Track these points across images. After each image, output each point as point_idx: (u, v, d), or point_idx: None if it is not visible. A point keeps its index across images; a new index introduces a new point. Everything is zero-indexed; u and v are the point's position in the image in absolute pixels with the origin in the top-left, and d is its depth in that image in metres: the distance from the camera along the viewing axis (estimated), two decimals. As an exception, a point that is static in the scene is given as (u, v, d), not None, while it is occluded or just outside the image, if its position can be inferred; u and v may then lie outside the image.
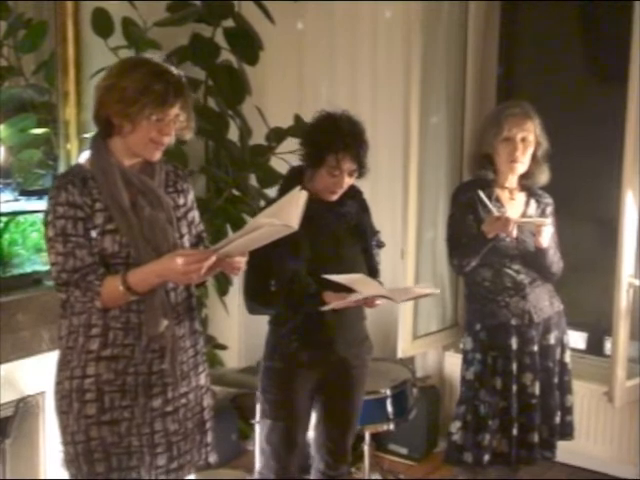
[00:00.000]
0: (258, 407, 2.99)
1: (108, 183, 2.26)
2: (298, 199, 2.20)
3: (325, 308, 2.70)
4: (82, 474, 2.33)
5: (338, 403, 2.99)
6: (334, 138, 2.69)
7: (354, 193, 2.90)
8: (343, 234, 2.88)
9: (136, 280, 2.21)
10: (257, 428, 3.46)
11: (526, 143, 3.15)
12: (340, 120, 2.74)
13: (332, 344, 2.86)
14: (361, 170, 2.77)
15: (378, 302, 2.76)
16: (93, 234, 2.23)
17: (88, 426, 2.29)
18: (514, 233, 3.06)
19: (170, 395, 2.37)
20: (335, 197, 2.81)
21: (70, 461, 2.36)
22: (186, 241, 2.41)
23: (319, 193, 2.78)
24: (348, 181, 2.78)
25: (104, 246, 2.24)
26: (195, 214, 2.50)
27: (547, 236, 3.12)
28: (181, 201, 2.44)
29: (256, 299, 2.86)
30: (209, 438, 2.53)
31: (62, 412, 2.34)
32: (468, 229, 3.18)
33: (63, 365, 2.34)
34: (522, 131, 3.13)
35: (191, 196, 2.49)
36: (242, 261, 2.31)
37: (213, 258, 2.17)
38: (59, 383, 2.34)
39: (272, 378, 2.89)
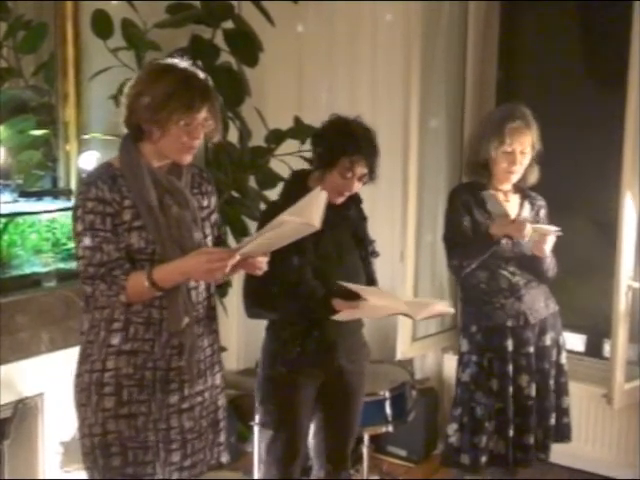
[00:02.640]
0: (257, 416, 2.97)
1: (137, 181, 2.30)
2: (319, 198, 2.23)
3: (338, 318, 2.68)
4: (98, 467, 2.37)
5: (337, 411, 2.98)
6: (350, 141, 2.70)
7: (356, 199, 2.91)
8: (345, 238, 2.88)
9: (161, 276, 2.24)
10: (256, 431, 3.47)
11: (524, 154, 3.16)
12: (355, 124, 2.76)
13: (333, 351, 2.85)
14: (371, 175, 2.78)
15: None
16: (120, 230, 2.28)
17: (105, 419, 2.32)
18: (527, 237, 3.05)
19: (187, 392, 2.41)
20: (341, 200, 2.80)
21: (86, 454, 2.39)
22: (209, 242, 2.45)
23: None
24: (357, 185, 2.78)
25: (131, 242, 2.29)
26: (217, 217, 2.55)
27: (550, 245, 3.12)
28: (205, 203, 2.49)
29: (258, 303, 2.83)
30: (222, 437, 2.56)
31: (81, 405, 2.38)
32: (466, 230, 3.19)
33: (83, 359, 2.38)
34: (522, 144, 3.14)
35: (214, 199, 2.54)
36: (263, 261, 2.36)
37: (237, 257, 2.21)
38: (79, 376, 2.39)
39: (272, 388, 2.88)
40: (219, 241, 2.57)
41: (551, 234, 3.10)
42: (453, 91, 4.26)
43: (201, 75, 2.33)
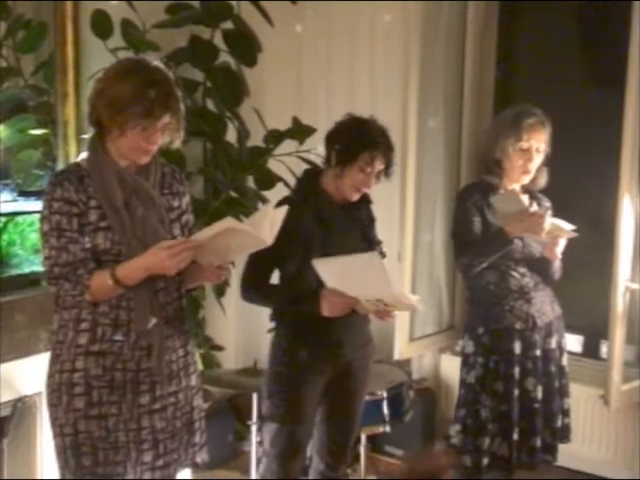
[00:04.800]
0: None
1: (103, 181, 2.31)
2: (275, 217, 2.35)
3: (325, 314, 2.72)
4: (69, 467, 2.38)
5: (342, 405, 3.00)
6: (369, 136, 2.78)
7: (366, 199, 2.95)
8: (355, 238, 2.91)
9: (124, 274, 2.26)
10: (253, 430, 3.48)
11: (539, 152, 3.15)
12: (371, 122, 2.83)
13: (340, 347, 2.88)
14: (387, 171, 2.83)
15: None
16: (86, 230, 2.29)
17: (76, 419, 2.33)
18: (543, 234, 3.04)
19: (158, 393, 2.41)
20: (357, 197, 2.85)
21: (58, 454, 2.40)
22: None
23: (342, 191, 2.84)
24: (374, 182, 2.83)
25: (97, 242, 2.29)
26: (189, 217, 2.54)
27: (562, 247, 3.11)
28: (175, 203, 2.48)
29: (254, 288, 2.87)
30: (197, 438, 2.55)
31: (52, 405, 2.39)
32: (477, 229, 3.17)
33: (54, 359, 2.39)
34: (538, 141, 3.14)
35: (186, 199, 2.53)
36: (223, 273, 2.41)
37: (194, 245, 2.25)
38: (50, 376, 2.40)
39: (281, 383, 2.89)
40: None
41: (568, 235, 3.07)
42: (452, 91, 4.26)
43: (168, 77, 2.31)
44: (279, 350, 2.90)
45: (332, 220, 2.83)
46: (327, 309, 2.73)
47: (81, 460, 2.35)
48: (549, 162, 3.24)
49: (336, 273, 2.69)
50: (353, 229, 2.91)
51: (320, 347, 2.85)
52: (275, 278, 2.94)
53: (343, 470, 3.11)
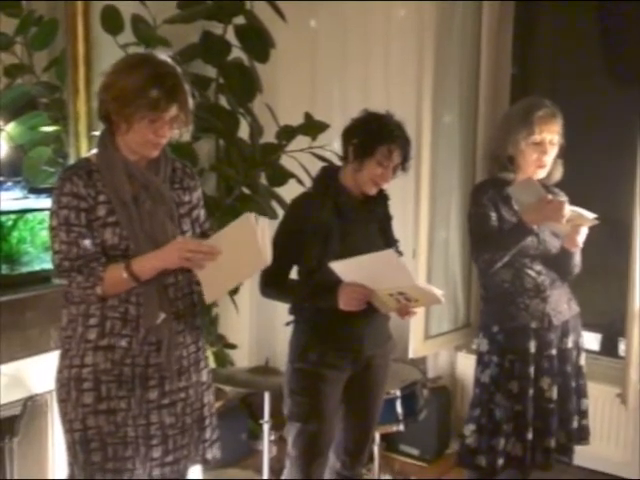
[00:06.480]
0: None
1: (112, 176, 2.32)
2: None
3: (343, 307, 2.70)
4: (78, 462, 2.38)
5: (361, 403, 2.99)
6: (386, 130, 2.79)
7: (384, 196, 2.94)
8: (374, 233, 2.90)
9: (139, 267, 2.27)
10: (266, 428, 3.46)
11: (553, 145, 3.08)
12: (388, 117, 2.84)
13: (361, 343, 2.86)
14: (404, 165, 2.83)
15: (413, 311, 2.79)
16: (95, 225, 2.29)
17: (85, 415, 2.34)
18: (564, 222, 2.98)
19: (167, 388, 2.41)
20: (375, 190, 2.84)
21: (68, 449, 2.41)
22: (188, 237, 2.43)
23: (360, 186, 2.83)
24: (392, 176, 2.83)
25: (105, 238, 2.30)
26: (201, 212, 2.54)
27: (583, 237, 3.05)
28: (186, 198, 2.48)
29: (272, 285, 2.85)
30: (208, 434, 2.54)
31: (61, 400, 2.39)
32: (495, 225, 3.10)
33: (63, 354, 2.40)
34: (551, 133, 3.06)
35: (197, 194, 2.53)
36: None
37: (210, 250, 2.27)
38: (59, 372, 2.41)
39: (302, 380, 2.87)
40: (206, 237, 2.51)
41: (589, 223, 3.01)
42: (467, 88, 4.23)
43: (175, 70, 2.31)
44: (298, 346, 2.89)
45: (351, 213, 2.83)
46: (344, 301, 2.71)
47: (90, 456, 2.35)
48: (566, 160, 3.19)
49: (355, 272, 2.67)
50: (372, 222, 2.91)
51: (341, 343, 2.84)
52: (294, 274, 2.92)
53: (359, 469, 3.09)
